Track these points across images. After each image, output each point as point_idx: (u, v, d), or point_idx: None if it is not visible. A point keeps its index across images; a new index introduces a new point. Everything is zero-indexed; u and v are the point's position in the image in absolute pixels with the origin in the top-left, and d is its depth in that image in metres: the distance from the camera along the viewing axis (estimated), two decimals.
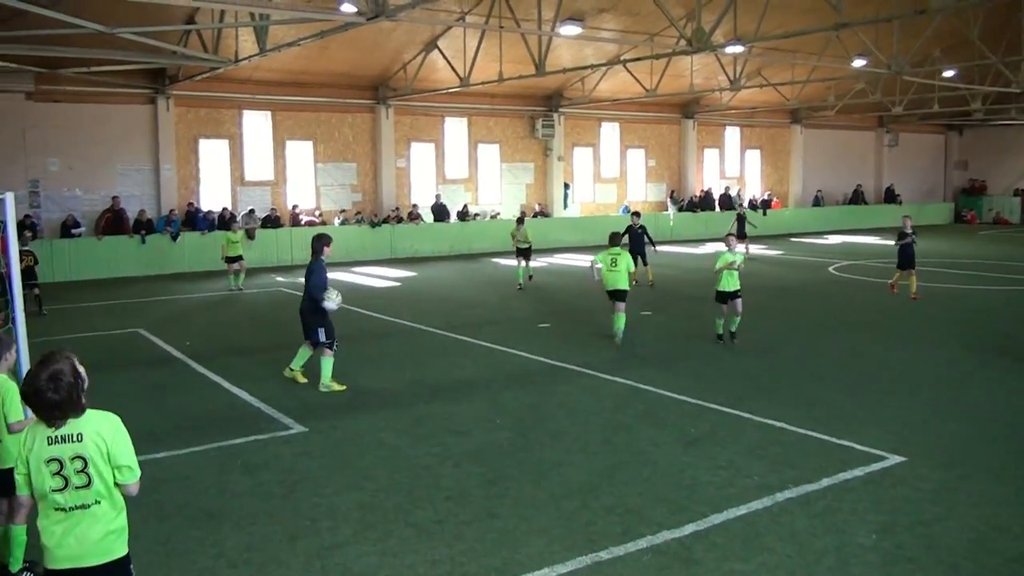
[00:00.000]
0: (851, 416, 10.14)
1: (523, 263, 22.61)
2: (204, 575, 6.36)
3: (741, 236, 28.86)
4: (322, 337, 11.81)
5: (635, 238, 22.04)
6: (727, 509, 7.35)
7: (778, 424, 9.76)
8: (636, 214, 23.14)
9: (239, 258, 22.81)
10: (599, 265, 14.94)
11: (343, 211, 31.33)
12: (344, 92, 30.84)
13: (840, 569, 6.30)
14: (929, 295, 19.68)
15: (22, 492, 4.52)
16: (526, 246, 22.68)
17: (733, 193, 40.87)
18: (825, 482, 7.95)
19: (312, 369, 12.02)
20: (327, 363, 11.84)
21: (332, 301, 11.68)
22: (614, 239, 15.41)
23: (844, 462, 8.48)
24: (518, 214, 28.81)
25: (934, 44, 30.09)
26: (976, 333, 15.65)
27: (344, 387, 11.83)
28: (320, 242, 12.07)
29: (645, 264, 22.45)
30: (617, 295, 14.68)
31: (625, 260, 14.74)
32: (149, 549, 6.68)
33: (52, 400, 4.28)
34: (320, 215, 30.75)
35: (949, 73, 32.44)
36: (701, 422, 9.96)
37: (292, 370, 12.26)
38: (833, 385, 11.76)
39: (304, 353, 12.23)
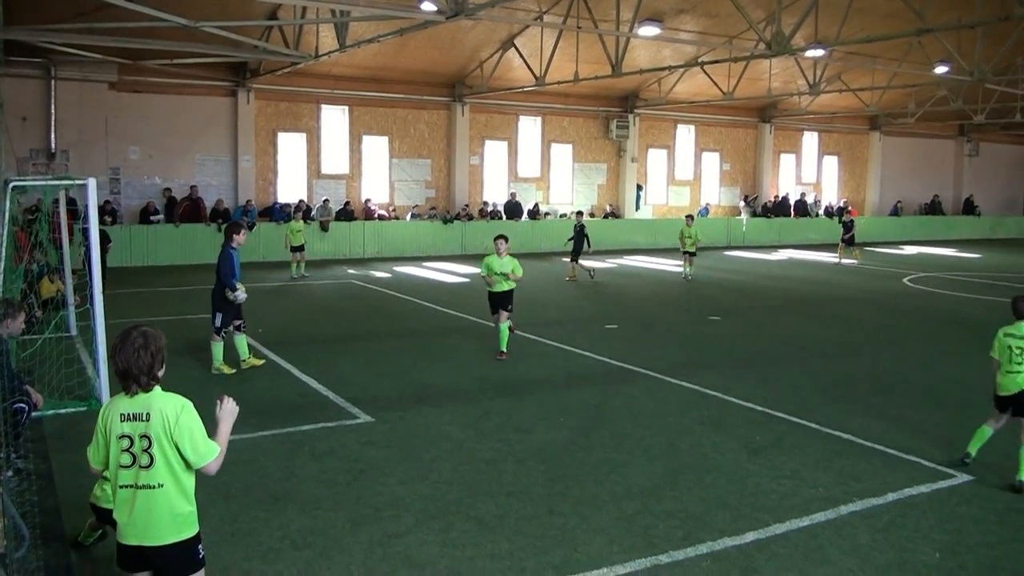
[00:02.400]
0: (920, 431, 9.94)
1: (502, 317, 13.70)
2: (269, 555, 6.52)
3: (850, 242, 29.10)
4: (217, 322, 12.25)
5: (577, 236, 23.87)
6: (789, 519, 7.29)
7: (845, 436, 9.63)
8: (579, 213, 25.99)
9: (301, 247, 23.57)
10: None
11: (416, 206, 31.62)
12: (421, 89, 31.16)
13: None
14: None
15: (94, 464, 4.68)
16: (505, 288, 13.69)
17: (810, 200, 40.34)
18: (891, 497, 7.83)
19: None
20: (217, 348, 12.29)
21: (241, 291, 12.12)
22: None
23: (911, 478, 8.34)
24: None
25: (1018, 51, 29.31)
26: None
27: (233, 371, 12.25)
28: (230, 230, 12.40)
29: (576, 261, 24.03)
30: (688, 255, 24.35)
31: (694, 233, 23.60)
32: (216, 528, 6.87)
33: (120, 365, 4.49)
34: (393, 209, 31.09)
35: None
36: (766, 430, 9.87)
37: (244, 360, 12.55)
38: (902, 399, 11.53)
39: (241, 340, 12.56)
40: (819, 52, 23.20)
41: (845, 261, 29.61)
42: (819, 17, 20.89)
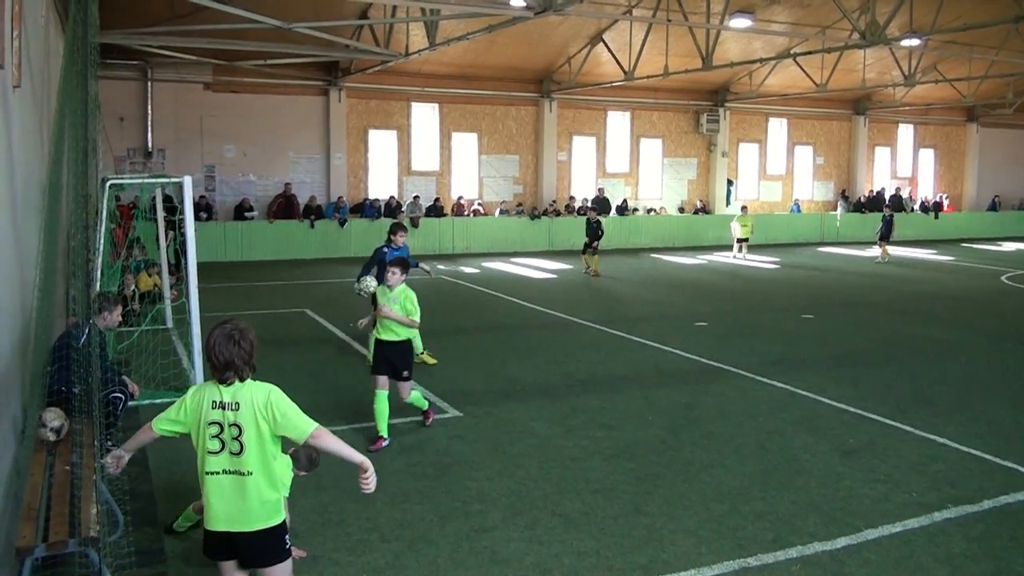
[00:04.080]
0: (1017, 436, 9.59)
1: (402, 391, 9.22)
2: (358, 547, 6.63)
3: (885, 238, 27.96)
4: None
5: (591, 231, 24.20)
6: (882, 525, 7.11)
7: (940, 440, 9.35)
8: (594, 209, 26.28)
9: None
10: None
11: (504, 202, 31.77)
12: (509, 85, 31.26)
13: None
14: None
15: (157, 427, 4.79)
16: (392, 336, 9.42)
17: (904, 195, 39.19)
18: (986, 504, 7.57)
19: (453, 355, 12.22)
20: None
21: (359, 289, 11.05)
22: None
23: (1007, 484, 8.04)
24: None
25: None
26: None
27: (435, 360, 12.63)
28: (389, 232, 12.82)
29: (589, 253, 24.30)
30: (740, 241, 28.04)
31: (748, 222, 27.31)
32: (306, 518, 7.04)
33: (221, 357, 4.58)
34: (482, 206, 31.28)
35: None
36: (859, 432, 9.64)
37: (422, 353, 12.67)
38: (999, 402, 11.12)
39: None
40: (914, 41, 22.59)
41: (887, 249, 28.57)
42: (914, 5, 20.33)
